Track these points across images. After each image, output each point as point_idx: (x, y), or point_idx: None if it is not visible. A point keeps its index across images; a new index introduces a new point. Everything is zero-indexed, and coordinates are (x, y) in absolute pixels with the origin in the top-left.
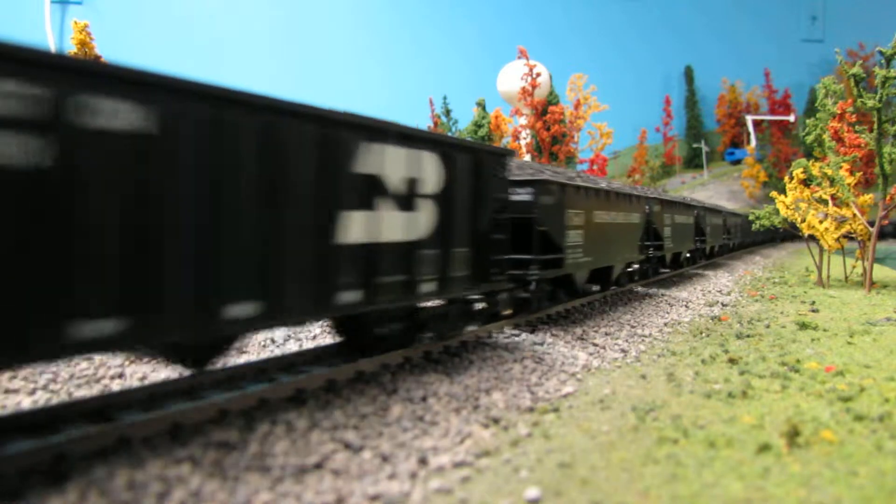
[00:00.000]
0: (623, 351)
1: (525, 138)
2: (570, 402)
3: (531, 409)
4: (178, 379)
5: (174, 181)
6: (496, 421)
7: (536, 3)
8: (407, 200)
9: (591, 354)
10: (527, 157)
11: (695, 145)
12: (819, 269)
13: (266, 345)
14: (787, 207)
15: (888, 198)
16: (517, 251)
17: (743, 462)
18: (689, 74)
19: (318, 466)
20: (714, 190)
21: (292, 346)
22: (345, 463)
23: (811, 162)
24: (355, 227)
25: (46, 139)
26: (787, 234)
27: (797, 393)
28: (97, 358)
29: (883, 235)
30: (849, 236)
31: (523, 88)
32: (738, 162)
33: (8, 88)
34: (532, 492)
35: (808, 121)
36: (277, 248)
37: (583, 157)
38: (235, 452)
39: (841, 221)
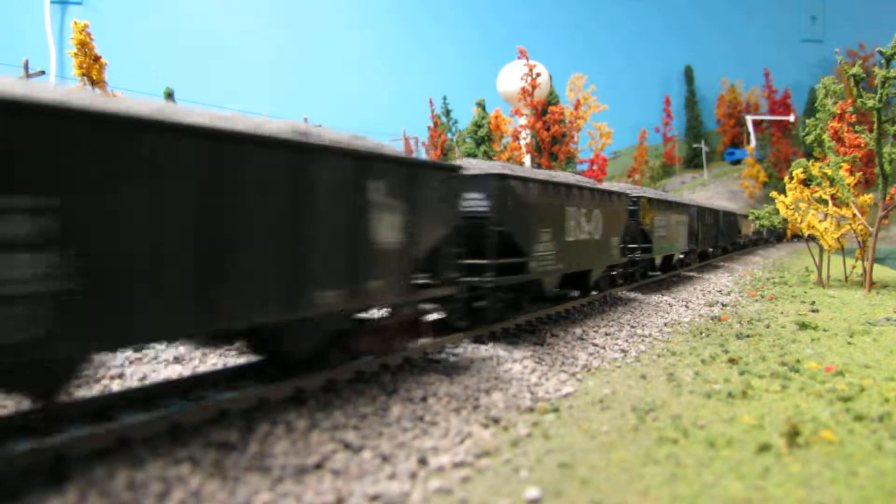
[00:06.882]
0: (623, 351)
1: (525, 138)
2: (569, 402)
3: (531, 409)
4: (178, 379)
5: None
6: (496, 421)
7: (536, 3)
8: None
9: (590, 354)
10: (527, 158)
11: (695, 145)
12: (819, 269)
13: None
14: (787, 207)
15: (888, 198)
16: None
17: (743, 462)
18: (689, 74)
19: (318, 466)
20: (714, 190)
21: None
22: (345, 463)
23: (811, 162)
24: None
25: None
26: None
27: (797, 393)
28: (96, 357)
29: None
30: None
31: (523, 88)
32: (738, 162)
33: None
34: (532, 492)
35: (808, 121)
36: None
37: (583, 158)
38: (235, 453)
39: (841, 221)
